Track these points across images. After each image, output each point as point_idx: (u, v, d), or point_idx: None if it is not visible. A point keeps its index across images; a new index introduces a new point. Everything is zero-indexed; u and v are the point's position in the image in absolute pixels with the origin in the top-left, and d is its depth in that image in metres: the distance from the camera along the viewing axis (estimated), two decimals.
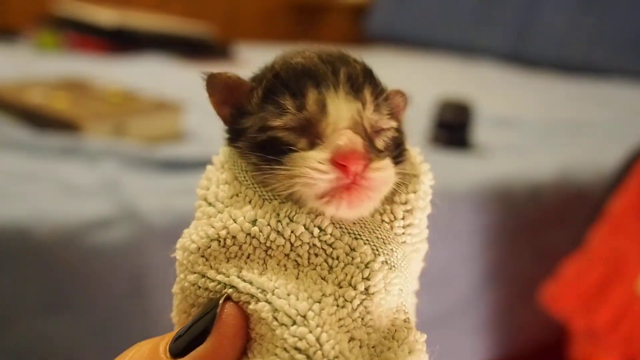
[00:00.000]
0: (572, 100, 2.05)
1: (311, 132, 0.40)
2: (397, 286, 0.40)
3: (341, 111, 0.40)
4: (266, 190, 0.41)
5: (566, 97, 2.09)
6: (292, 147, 0.39)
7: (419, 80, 2.24)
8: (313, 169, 0.38)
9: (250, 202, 0.41)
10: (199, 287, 0.39)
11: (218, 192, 0.42)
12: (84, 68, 1.75)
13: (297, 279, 0.39)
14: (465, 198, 1.24)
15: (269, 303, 0.37)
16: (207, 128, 1.35)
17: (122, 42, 2.23)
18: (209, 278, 0.39)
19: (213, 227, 0.39)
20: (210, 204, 0.42)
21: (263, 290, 0.37)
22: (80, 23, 2.27)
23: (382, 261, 0.39)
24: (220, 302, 0.37)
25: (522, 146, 1.52)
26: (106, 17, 2.24)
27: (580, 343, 1.16)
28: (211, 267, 0.39)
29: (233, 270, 0.39)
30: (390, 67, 2.76)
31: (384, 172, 0.40)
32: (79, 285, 0.93)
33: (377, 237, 0.40)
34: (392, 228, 0.41)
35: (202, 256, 0.39)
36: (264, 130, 0.41)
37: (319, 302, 0.37)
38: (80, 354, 0.93)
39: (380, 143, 0.41)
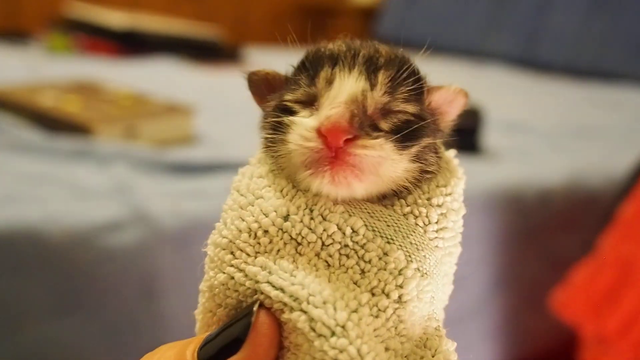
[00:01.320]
0: (583, 104, 2.04)
1: (314, 106, 0.40)
2: (429, 294, 0.39)
3: (344, 87, 0.40)
4: (283, 171, 0.40)
5: (576, 101, 2.08)
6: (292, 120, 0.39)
7: (429, 83, 2.24)
8: (299, 135, 0.38)
9: (281, 191, 0.40)
10: (228, 288, 0.38)
11: (250, 183, 0.41)
12: (94, 71, 1.76)
13: (329, 282, 0.37)
14: (475, 203, 1.23)
15: (305, 312, 0.35)
16: (218, 131, 1.35)
17: (132, 44, 2.24)
18: (238, 282, 0.38)
19: (244, 220, 0.39)
20: (242, 195, 0.41)
21: (296, 299, 0.36)
22: (91, 26, 2.28)
23: (415, 268, 0.38)
24: (255, 309, 0.36)
25: (532, 151, 1.51)
26: (117, 19, 2.26)
27: (590, 349, 1.15)
28: (238, 268, 0.38)
29: (263, 275, 0.37)
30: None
31: (373, 151, 0.38)
32: (90, 287, 0.93)
33: (411, 243, 0.39)
34: (425, 232, 0.40)
35: (231, 252, 0.38)
36: (279, 105, 0.41)
37: (356, 312, 0.36)
38: (91, 356, 0.94)
39: (385, 125, 0.39)
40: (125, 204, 0.97)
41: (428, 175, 0.41)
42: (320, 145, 0.37)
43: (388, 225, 0.39)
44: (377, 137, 0.38)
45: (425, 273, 0.39)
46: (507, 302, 1.30)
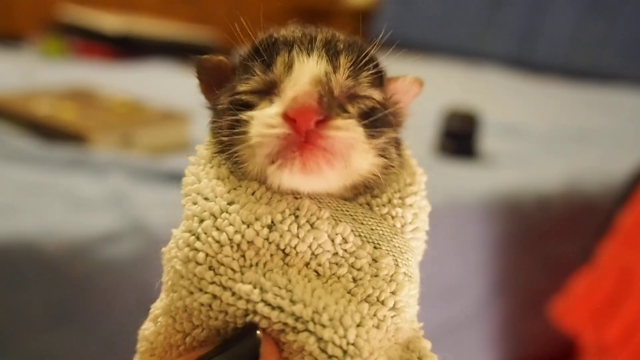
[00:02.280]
0: (579, 107, 2.04)
1: (274, 93, 0.37)
2: (415, 297, 0.38)
3: (306, 69, 0.37)
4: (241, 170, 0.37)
5: (573, 104, 2.08)
6: (252, 108, 0.37)
7: (425, 86, 2.23)
8: (262, 124, 0.35)
9: (254, 194, 0.36)
10: (212, 309, 0.35)
11: (213, 186, 0.37)
12: (89, 75, 1.75)
13: (328, 294, 0.35)
14: (472, 209, 1.23)
15: (312, 332, 0.33)
16: None
17: (127, 48, 2.23)
18: (226, 303, 0.34)
19: (224, 231, 0.35)
20: (208, 200, 0.36)
21: (299, 318, 0.33)
22: (86, 29, 2.27)
23: (404, 272, 0.38)
24: (258, 336, 0.33)
25: (529, 155, 1.51)
26: (111, 23, 2.25)
27: (590, 358, 1.15)
28: (224, 287, 0.34)
29: (256, 294, 0.34)
30: (396, 73, 2.76)
31: (345, 133, 0.35)
32: (87, 299, 0.93)
33: (395, 246, 0.38)
34: (403, 233, 0.39)
35: (210, 268, 0.34)
36: (232, 101, 0.38)
37: (362, 326, 0.35)
38: None
39: (352, 109, 0.37)
40: (121, 215, 0.96)
41: (390, 171, 0.40)
42: (288, 130, 0.34)
43: (372, 229, 0.38)
44: (348, 118, 0.36)
45: (410, 276, 0.38)
46: (506, 310, 1.30)
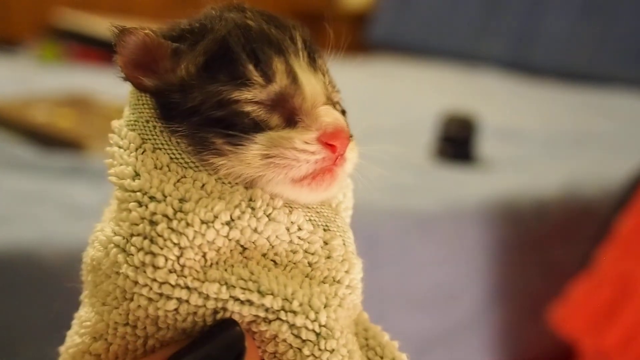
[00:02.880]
0: (576, 110, 2.04)
1: (285, 108, 0.36)
2: (361, 274, 0.39)
3: (313, 85, 0.37)
4: (220, 174, 0.36)
5: (570, 107, 2.08)
6: (261, 124, 0.36)
7: (421, 89, 2.24)
8: (300, 150, 0.35)
9: (203, 187, 0.35)
10: (179, 313, 0.34)
11: (158, 183, 0.35)
12: (86, 80, 1.75)
13: (289, 279, 0.36)
14: (470, 214, 1.23)
15: (283, 321, 0.34)
16: None
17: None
18: (195, 305, 0.34)
19: (183, 234, 0.33)
20: (154, 199, 0.34)
21: (268, 309, 0.34)
22: (82, 34, 2.27)
23: (351, 251, 0.38)
24: (240, 329, 0.33)
25: (527, 159, 1.51)
26: (108, 28, 2.24)
27: None
28: (189, 289, 0.33)
29: (225, 292, 0.34)
30: (393, 76, 2.73)
31: (355, 153, 0.38)
32: None
33: (338, 226, 0.38)
34: (338, 213, 0.40)
35: (172, 271, 0.33)
36: (222, 104, 0.35)
37: (329, 306, 0.35)
38: None
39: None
40: None
41: None
42: (327, 155, 0.36)
43: (318, 212, 0.38)
44: (351, 137, 0.38)
45: (356, 255, 0.39)
46: (504, 315, 1.30)
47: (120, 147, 0.37)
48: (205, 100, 0.36)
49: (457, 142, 1.43)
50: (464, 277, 1.25)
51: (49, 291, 0.92)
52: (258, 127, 0.36)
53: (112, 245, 0.35)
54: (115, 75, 0.39)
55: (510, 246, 1.27)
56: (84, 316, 0.38)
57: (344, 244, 0.38)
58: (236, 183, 0.36)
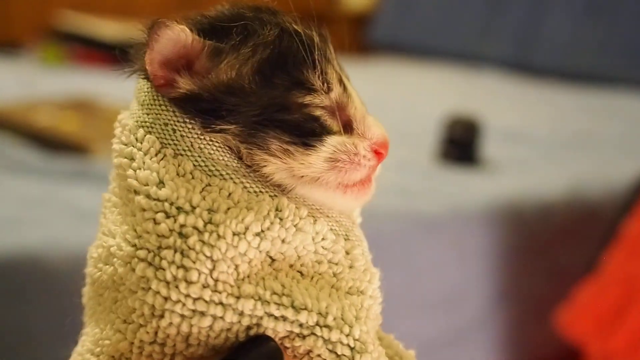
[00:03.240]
0: (581, 111, 2.03)
1: (341, 115, 0.38)
2: (379, 283, 0.39)
3: (356, 93, 0.39)
4: (258, 177, 0.36)
5: (574, 108, 2.07)
6: (327, 129, 0.37)
7: (424, 91, 2.24)
8: (362, 156, 0.37)
9: (229, 196, 0.34)
10: (212, 329, 0.33)
11: (185, 193, 0.34)
12: (89, 83, 1.75)
13: (319, 291, 0.35)
14: (475, 216, 1.23)
15: (318, 336, 0.34)
16: None
17: (126, 55, 2.22)
18: (230, 322, 0.33)
19: (215, 247, 0.33)
20: (182, 209, 0.33)
21: (303, 324, 0.34)
22: (84, 36, 2.27)
23: (370, 261, 0.39)
24: (275, 344, 0.33)
25: (531, 161, 1.51)
26: (110, 30, 2.24)
27: None
28: (224, 305, 0.33)
29: (260, 309, 0.33)
30: (395, 77, 2.73)
31: None
32: None
33: (357, 235, 0.39)
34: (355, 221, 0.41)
35: (205, 286, 0.32)
36: (290, 107, 0.36)
37: (360, 318, 0.35)
38: None
39: None
40: None
41: None
42: (375, 162, 0.38)
43: (337, 221, 0.38)
44: None
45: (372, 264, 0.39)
46: (509, 319, 1.30)
47: (139, 149, 0.36)
48: (268, 102, 0.36)
49: (461, 144, 1.43)
50: (469, 279, 1.25)
51: (56, 295, 0.92)
52: (325, 131, 0.37)
53: (137, 259, 0.34)
54: (131, 72, 0.38)
55: (515, 249, 1.27)
56: (99, 334, 0.36)
57: (364, 254, 0.38)
58: (264, 190, 0.35)
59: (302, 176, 0.36)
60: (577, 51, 2.48)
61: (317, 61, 0.37)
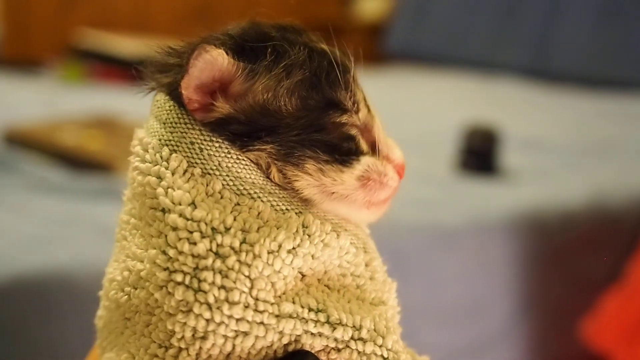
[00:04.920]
0: (600, 117, 2.01)
1: (368, 135, 0.40)
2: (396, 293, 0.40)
3: (377, 114, 0.41)
4: (283, 194, 0.37)
5: (594, 114, 2.05)
6: (360, 148, 0.39)
7: (440, 100, 2.24)
8: (390, 177, 0.39)
9: (259, 215, 0.35)
10: (254, 347, 0.34)
11: (217, 214, 0.34)
12: (110, 100, 1.77)
13: (348, 304, 0.37)
14: (496, 226, 1.23)
15: (353, 349, 0.35)
16: None
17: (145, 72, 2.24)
18: (271, 340, 0.34)
19: (251, 266, 0.33)
20: (216, 230, 0.34)
21: (338, 339, 0.35)
22: (104, 54, 2.29)
23: (386, 271, 0.40)
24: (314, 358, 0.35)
25: (551, 169, 1.50)
26: (129, 46, 2.27)
27: None
28: (265, 325, 0.33)
29: (299, 327, 0.34)
30: (411, 87, 2.72)
31: None
32: None
33: (372, 247, 0.40)
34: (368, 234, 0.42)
35: (247, 306, 0.33)
36: (327, 127, 0.37)
37: (389, 329, 0.36)
38: None
39: None
40: None
41: None
42: (398, 183, 0.40)
43: (355, 234, 0.39)
44: None
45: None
46: (533, 329, 1.29)
47: (166, 168, 0.36)
48: (306, 123, 0.37)
49: (480, 154, 1.43)
50: (491, 290, 1.25)
51: (86, 313, 0.93)
52: (358, 150, 0.38)
53: (174, 283, 0.34)
54: (149, 89, 0.39)
55: (538, 259, 1.26)
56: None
57: (382, 265, 0.40)
58: (290, 207, 0.36)
59: (333, 192, 0.38)
60: (594, 56, 2.46)
61: (348, 82, 0.38)
